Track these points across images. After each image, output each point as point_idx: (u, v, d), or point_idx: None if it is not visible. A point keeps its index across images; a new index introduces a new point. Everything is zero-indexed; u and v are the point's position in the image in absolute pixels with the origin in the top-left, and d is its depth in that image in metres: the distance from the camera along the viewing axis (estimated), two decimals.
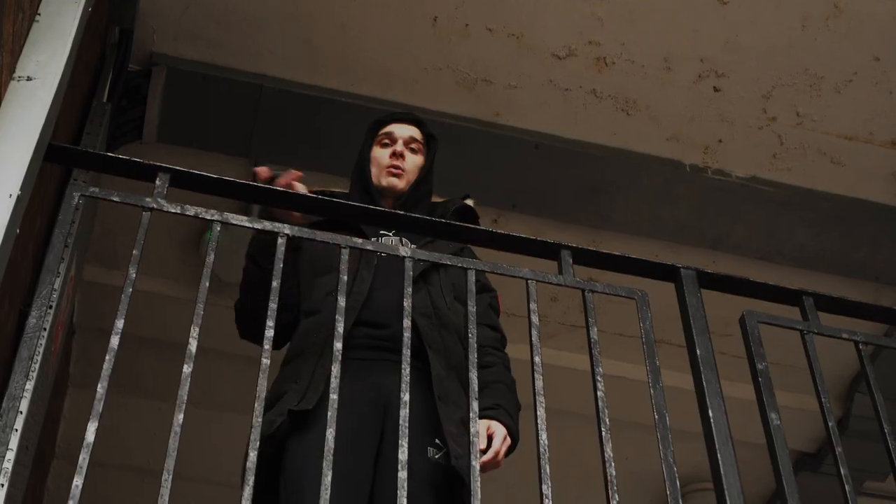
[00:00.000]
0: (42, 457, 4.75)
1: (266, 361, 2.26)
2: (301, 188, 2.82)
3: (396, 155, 3.16)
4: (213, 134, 4.65)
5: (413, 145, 3.21)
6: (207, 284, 2.31)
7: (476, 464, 2.20)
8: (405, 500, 2.10)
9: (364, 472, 2.63)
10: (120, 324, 2.16)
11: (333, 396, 2.23)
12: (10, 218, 2.03)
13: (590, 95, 4.59)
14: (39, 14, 2.46)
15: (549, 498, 2.18)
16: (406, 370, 2.32)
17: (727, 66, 4.48)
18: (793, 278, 4.94)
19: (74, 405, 5.56)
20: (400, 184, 3.14)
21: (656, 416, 2.43)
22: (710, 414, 2.47)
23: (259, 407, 2.18)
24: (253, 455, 2.09)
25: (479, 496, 2.16)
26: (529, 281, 2.56)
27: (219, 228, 2.43)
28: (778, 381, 2.61)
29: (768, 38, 4.37)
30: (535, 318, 2.49)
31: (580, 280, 2.62)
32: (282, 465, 2.67)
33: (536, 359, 2.43)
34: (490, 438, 2.75)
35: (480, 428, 2.74)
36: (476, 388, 2.36)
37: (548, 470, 2.23)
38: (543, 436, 2.29)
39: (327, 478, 2.09)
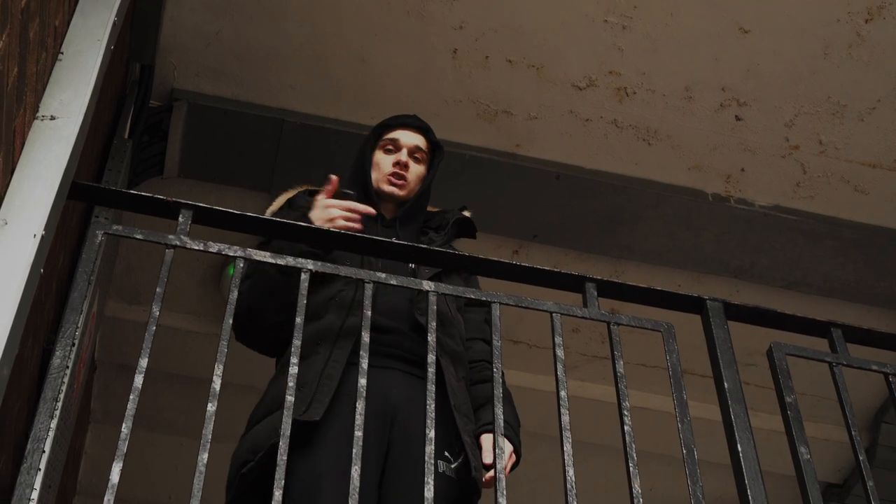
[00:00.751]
0: (64, 494, 4.74)
1: (290, 399, 2.25)
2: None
3: (400, 164, 3.07)
4: (234, 169, 4.66)
5: (417, 154, 3.12)
6: (231, 322, 2.31)
7: (503, 501, 2.18)
8: None
9: (370, 490, 2.54)
10: (144, 362, 2.16)
11: (358, 433, 2.22)
12: (35, 259, 2.03)
13: (611, 125, 4.58)
14: (62, 53, 2.47)
15: None
16: (431, 406, 2.30)
17: (749, 94, 4.46)
18: (816, 308, 4.89)
19: (96, 441, 5.55)
20: (401, 192, 3.07)
21: (685, 451, 2.39)
22: (740, 448, 2.44)
23: (284, 445, 2.16)
24: (278, 494, 2.07)
25: None
26: (554, 314, 2.54)
27: (242, 265, 2.43)
28: (802, 413, 2.57)
29: (790, 66, 4.34)
30: (560, 352, 2.47)
31: (605, 313, 2.60)
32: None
33: (563, 393, 2.40)
34: None
35: (484, 442, 2.73)
36: (501, 424, 2.34)
37: None
38: (570, 471, 2.27)
39: None
